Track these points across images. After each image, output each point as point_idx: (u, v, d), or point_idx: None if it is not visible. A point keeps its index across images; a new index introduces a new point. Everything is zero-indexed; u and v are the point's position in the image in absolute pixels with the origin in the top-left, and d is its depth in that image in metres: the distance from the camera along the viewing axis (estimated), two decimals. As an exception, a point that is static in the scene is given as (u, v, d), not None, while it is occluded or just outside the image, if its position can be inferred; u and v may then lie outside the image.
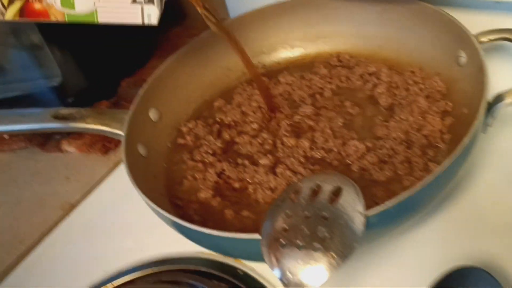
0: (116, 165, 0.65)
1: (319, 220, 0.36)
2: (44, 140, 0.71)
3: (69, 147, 0.68)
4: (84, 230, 0.59)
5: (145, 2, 0.45)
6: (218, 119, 0.61)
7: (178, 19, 0.90)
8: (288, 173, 0.50)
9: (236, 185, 0.52)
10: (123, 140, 0.52)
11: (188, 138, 0.59)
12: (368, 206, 0.37)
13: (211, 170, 0.53)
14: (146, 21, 0.46)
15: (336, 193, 0.38)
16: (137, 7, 0.45)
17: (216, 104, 0.63)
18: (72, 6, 0.45)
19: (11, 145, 0.71)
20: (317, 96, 0.59)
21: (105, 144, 0.67)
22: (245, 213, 0.49)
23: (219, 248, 0.44)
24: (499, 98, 0.43)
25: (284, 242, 0.35)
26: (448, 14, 0.52)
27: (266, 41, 0.67)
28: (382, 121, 0.53)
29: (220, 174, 0.53)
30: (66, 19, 0.46)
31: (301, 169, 0.50)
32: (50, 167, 0.67)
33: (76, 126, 0.56)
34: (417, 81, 0.55)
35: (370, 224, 0.37)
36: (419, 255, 0.45)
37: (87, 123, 0.55)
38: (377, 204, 0.42)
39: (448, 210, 0.47)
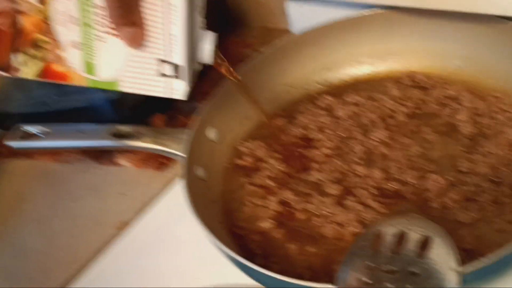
0: (170, 182, 0.63)
1: (406, 277, 0.32)
2: (100, 153, 0.70)
3: (124, 162, 0.67)
4: (136, 250, 0.57)
5: (171, 76, 0.42)
6: (279, 140, 0.57)
7: (232, 27, 0.87)
8: (358, 206, 0.46)
9: (300, 216, 0.48)
10: (183, 162, 0.50)
11: (247, 159, 0.56)
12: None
13: (272, 198, 0.50)
14: (174, 96, 0.43)
15: (424, 243, 0.34)
16: (163, 81, 0.43)
17: (276, 123, 0.60)
18: (93, 72, 0.43)
19: (67, 156, 0.70)
20: (389, 120, 0.54)
21: (160, 160, 0.65)
22: (310, 248, 0.45)
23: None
24: None
25: (364, 301, 0.31)
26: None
27: (330, 56, 0.63)
28: (464, 153, 0.48)
29: (282, 203, 0.50)
30: (88, 84, 0.44)
31: (372, 203, 0.46)
32: (105, 181, 0.66)
33: (134, 145, 0.54)
34: (504, 109, 0.50)
35: (464, 281, 0.32)
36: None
37: (144, 142, 0.54)
38: (465, 252, 0.38)
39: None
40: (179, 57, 0.41)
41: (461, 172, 0.46)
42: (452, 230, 0.41)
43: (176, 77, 0.42)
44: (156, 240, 0.57)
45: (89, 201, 0.63)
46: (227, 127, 0.58)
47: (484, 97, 0.52)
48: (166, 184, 0.62)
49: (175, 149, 0.52)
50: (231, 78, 0.50)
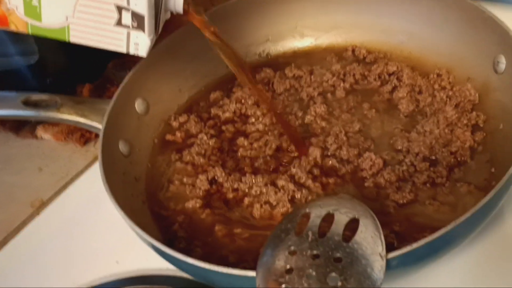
0: (95, 158, 0.58)
1: (330, 263, 0.29)
2: (19, 125, 0.63)
3: (44, 134, 0.61)
4: (54, 232, 0.52)
5: (132, 27, 0.36)
6: (213, 115, 0.53)
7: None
8: (291, 185, 0.43)
9: (230, 195, 0.45)
10: (101, 135, 0.45)
11: (178, 134, 0.52)
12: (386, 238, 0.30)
13: (202, 177, 0.46)
14: (132, 51, 0.37)
15: (352, 225, 0.31)
16: (122, 31, 0.36)
17: (213, 96, 0.56)
18: (38, 17, 0.36)
19: (-19, 127, 0.63)
20: (328, 95, 0.52)
21: (84, 133, 0.59)
22: (238, 230, 0.42)
23: (206, 279, 0.37)
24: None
25: (285, 288, 0.28)
26: (487, 10, 0.45)
27: (273, 27, 0.59)
28: (402, 131, 0.46)
29: (212, 181, 0.46)
30: (29, 31, 0.37)
31: (306, 182, 0.43)
32: (21, 155, 0.60)
33: (49, 115, 0.49)
34: (445, 86, 0.48)
35: (390, 266, 0.30)
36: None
37: (61, 112, 0.49)
38: (395, 234, 0.36)
39: (479, 243, 0.41)
40: (141, 3, 0.35)
41: (397, 151, 0.44)
42: (385, 211, 0.40)
43: (137, 28, 0.36)
44: (75, 221, 0.52)
45: (2, 176, 0.58)
46: (157, 99, 0.53)
47: (426, 74, 0.50)
48: (91, 161, 0.58)
49: (96, 121, 0.47)
50: (207, 32, 0.42)
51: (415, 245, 0.30)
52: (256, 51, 0.59)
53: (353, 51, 0.55)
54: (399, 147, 0.44)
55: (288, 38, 0.59)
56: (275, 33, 0.59)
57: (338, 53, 0.56)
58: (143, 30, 0.36)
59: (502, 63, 0.43)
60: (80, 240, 0.50)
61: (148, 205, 0.46)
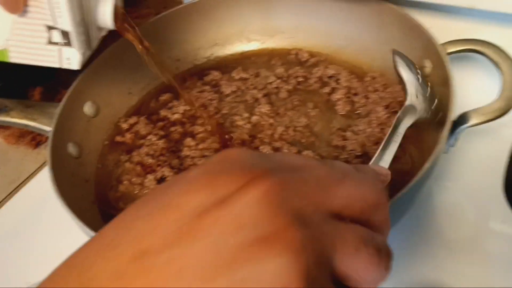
0: (45, 160, 0.58)
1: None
2: (-30, 128, 0.63)
3: (-6, 137, 0.61)
4: (6, 234, 0.52)
5: (63, 44, 0.39)
6: (162, 116, 0.55)
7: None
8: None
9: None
10: (50, 138, 0.46)
11: (127, 136, 0.53)
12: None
13: (150, 176, 0.48)
14: (66, 65, 0.40)
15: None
16: (54, 49, 0.39)
17: (162, 98, 0.57)
18: None
19: None
20: (273, 96, 0.54)
21: (36, 136, 0.60)
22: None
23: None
24: (464, 118, 0.40)
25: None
26: (414, 19, 0.48)
27: (221, 32, 0.61)
28: (338, 130, 0.49)
29: (160, 181, 0.48)
30: None
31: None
32: (-28, 159, 0.60)
33: (-2, 119, 0.49)
34: (377, 89, 0.51)
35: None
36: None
37: (11, 116, 0.49)
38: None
39: (407, 228, 0.44)
40: (65, 21, 0.38)
41: (335, 147, 0.47)
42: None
43: (67, 44, 0.39)
44: (27, 223, 0.53)
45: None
46: (107, 102, 0.55)
47: (362, 77, 0.53)
48: (41, 162, 0.58)
49: (46, 124, 0.48)
50: (139, 46, 0.46)
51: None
52: (205, 54, 0.61)
53: (296, 54, 0.58)
54: (336, 144, 0.47)
55: (236, 43, 0.61)
56: (222, 38, 0.61)
57: (283, 56, 0.59)
58: (72, 45, 0.39)
59: (428, 67, 0.47)
60: (32, 241, 0.51)
61: (97, 206, 0.47)
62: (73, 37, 0.39)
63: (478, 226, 0.45)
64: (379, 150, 0.36)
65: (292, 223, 0.18)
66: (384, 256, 0.21)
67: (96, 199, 0.48)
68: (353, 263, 0.20)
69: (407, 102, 0.42)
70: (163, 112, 0.55)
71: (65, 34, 0.38)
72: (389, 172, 0.28)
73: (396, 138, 0.37)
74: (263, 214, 0.18)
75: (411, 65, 0.46)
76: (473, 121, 0.39)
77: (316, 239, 0.19)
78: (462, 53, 0.45)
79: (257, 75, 0.57)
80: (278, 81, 0.55)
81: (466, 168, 0.48)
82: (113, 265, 0.19)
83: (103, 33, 0.43)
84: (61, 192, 0.41)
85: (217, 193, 0.19)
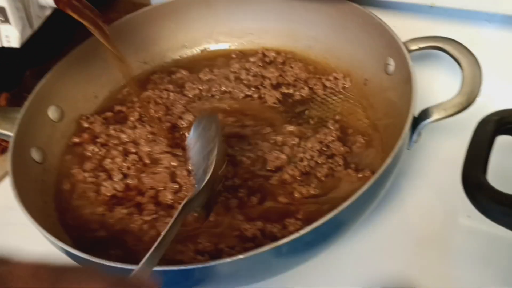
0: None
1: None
2: None
3: (-41, 144, 0.59)
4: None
5: (1, 22, 0.38)
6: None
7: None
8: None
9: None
10: (11, 143, 0.45)
11: (84, 136, 0.52)
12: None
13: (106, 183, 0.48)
14: (5, 44, 0.39)
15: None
16: None
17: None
18: None
19: None
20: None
21: (1, 142, 0.59)
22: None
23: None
24: (426, 113, 0.40)
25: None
26: (378, 17, 0.49)
27: (189, 34, 0.61)
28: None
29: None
30: None
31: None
32: None
33: (-44, 125, 0.48)
34: (337, 90, 0.52)
35: (281, 252, 0.33)
36: (345, 275, 0.42)
37: (-29, 121, 0.48)
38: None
39: (374, 225, 0.45)
40: None
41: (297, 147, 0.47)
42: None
43: (4, 21, 0.38)
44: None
45: None
46: (72, 106, 0.54)
47: (326, 77, 0.54)
48: (5, 170, 0.57)
49: (7, 130, 0.47)
50: (96, 31, 0.43)
51: (302, 231, 0.33)
52: (173, 56, 0.61)
53: (263, 55, 0.58)
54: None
55: (204, 44, 0.61)
56: (191, 39, 0.61)
57: (248, 57, 0.59)
58: (9, 22, 0.38)
59: (391, 65, 0.48)
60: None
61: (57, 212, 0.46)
62: (10, 14, 0.38)
63: (446, 222, 0.45)
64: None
65: None
66: None
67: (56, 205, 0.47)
68: None
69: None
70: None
71: (2, 10, 0.38)
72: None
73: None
74: None
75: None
76: (434, 116, 0.40)
77: None
78: (424, 50, 0.46)
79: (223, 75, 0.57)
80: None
81: (432, 164, 0.49)
82: None
83: (47, 13, 0.42)
84: (22, 198, 0.40)
85: None
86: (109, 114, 0.54)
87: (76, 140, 0.52)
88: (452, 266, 0.42)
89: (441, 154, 0.49)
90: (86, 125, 0.53)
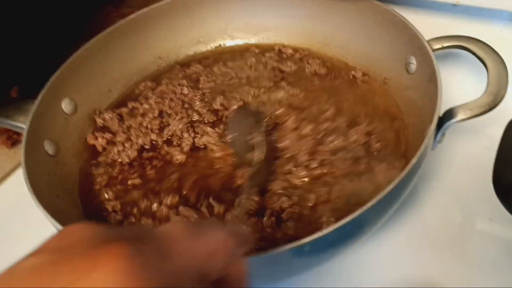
0: (23, 160, 0.56)
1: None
2: None
3: (-31, 136, 0.59)
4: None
5: None
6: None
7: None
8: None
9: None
10: (24, 135, 0.44)
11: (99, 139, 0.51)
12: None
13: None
14: None
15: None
16: None
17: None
18: None
19: None
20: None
21: (12, 135, 0.58)
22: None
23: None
24: (451, 113, 0.39)
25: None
26: (400, 14, 0.48)
27: (204, 29, 0.60)
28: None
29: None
30: None
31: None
32: None
33: (-32, 116, 0.47)
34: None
35: (303, 252, 0.32)
36: (363, 277, 0.41)
37: (-18, 113, 0.47)
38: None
39: (394, 228, 0.44)
40: None
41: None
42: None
43: None
44: (2, 224, 0.51)
45: None
46: (86, 100, 0.53)
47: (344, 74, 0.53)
48: (16, 162, 0.56)
49: (20, 122, 0.47)
50: None
51: (324, 231, 0.32)
52: (188, 52, 0.60)
53: (279, 51, 0.57)
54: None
55: (219, 40, 0.60)
56: (205, 35, 0.60)
57: (266, 52, 0.58)
58: None
59: (413, 64, 0.46)
60: (7, 243, 0.49)
61: (79, 209, 0.45)
62: None
63: (465, 226, 0.44)
64: None
65: None
66: None
67: (78, 200, 0.46)
68: None
69: None
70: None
71: None
72: (249, 233, 0.28)
73: None
74: None
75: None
76: (460, 116, 0.39)
77: None
78: (447, 50, 0.45)
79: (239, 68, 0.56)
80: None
81: (453, 166, 0.48)
82: None
83: None
84: (35, 191, 0.39)
85: None
86: (124, 110, 0.53)
87: (92, 142, 0.51)
88: (470, 270, 0.41)
89: (462, 155, 0.48)
90: (99, 121, 0.52)
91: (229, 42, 0.61)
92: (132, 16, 0.56)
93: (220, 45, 0.60)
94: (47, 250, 0.19)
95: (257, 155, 0.43)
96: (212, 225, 0.25)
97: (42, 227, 0.45)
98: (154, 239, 0.20)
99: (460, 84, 0.47)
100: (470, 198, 0.45)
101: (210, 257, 0.21)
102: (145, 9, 0.57)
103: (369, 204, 0.32)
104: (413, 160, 0.34)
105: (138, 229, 0.22)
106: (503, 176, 0.29)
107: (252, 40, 0.60)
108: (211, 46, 0.61)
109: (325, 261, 0.38)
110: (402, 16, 0.47)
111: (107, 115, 0.52)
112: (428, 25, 0.47)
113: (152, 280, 0.18)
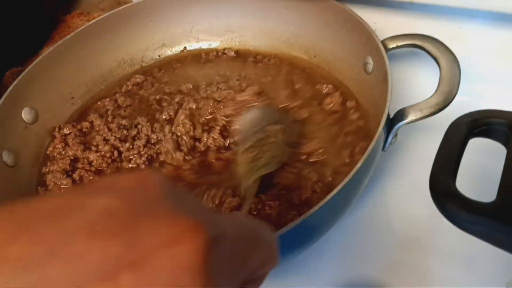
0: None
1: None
2: None
3: None
4: None
5: None
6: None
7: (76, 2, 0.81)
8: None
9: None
10: (-19, 145, 0.44)
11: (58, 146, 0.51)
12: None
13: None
14: None
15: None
16: None
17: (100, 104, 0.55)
18: None
19: None
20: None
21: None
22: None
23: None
24: (401, 114, 0.39)
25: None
26: (357, 14, 0.47)
27: (168, 32, 0.60)
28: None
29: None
30: None
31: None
32: None
33: None
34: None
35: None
36: (323, 276, 0.41)
37: None
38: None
39: (353, 227, 0.44)
40: None
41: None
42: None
43: None
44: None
45: None
46: (47, 108, 0.52)
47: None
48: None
49: (-23, 133, 0.46)
50: None
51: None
52: (153, 55, 0.60)
53: (245, 52, 0.57)
54: None
55: (184, 43, 0.60)
56: (170, 38, 0.60)
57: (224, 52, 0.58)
58: None
59: (370, 64, 0.46)
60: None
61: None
62: None
63: (425, 223, 0.44)
64: None
65: None
66: None
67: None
68: None
69: None
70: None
71: None
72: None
73: None
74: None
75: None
76: (410, 117, 0.38)
77: None
78: (403, 48, 0.44)
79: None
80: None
81: (413, 164, 0.48)
82: None
83: None
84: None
85: (134, 253, 0.15)
86: (85, 124, 0.52)
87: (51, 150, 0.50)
88: (433, 266, 0.41)
89: (423, 153, 0.48)
90: (59, 136, 0.51)
91: (194, 45, 0.60)
92: (96, 19, 0.56)
93: (185, 47, 0.60)
94: (121, 194, 0.16)
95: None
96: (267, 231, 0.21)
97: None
98: (228, 237, 0.17)
99: (416, 83, 0.47)
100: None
101: (259, 268, 0.19)
102: (109, 12, 0.57)
103: (312, 210, 0.32)
104: (358, 164, 0.34)
105: (213, 213, 0.20)
106: (439, 181, 0.28)
107: (218, 42, 0.60)
108: (176, 49, 0.60)
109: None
110: (358, 16, 0.47)
111: (67, 130, 0.51)
112: (387, 24, 0.47)
113: (211, 279, 0.15)
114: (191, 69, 0.57)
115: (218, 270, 0.16)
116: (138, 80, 0.57)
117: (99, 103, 0.54)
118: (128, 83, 0.56)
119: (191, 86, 0.54)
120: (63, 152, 0.49)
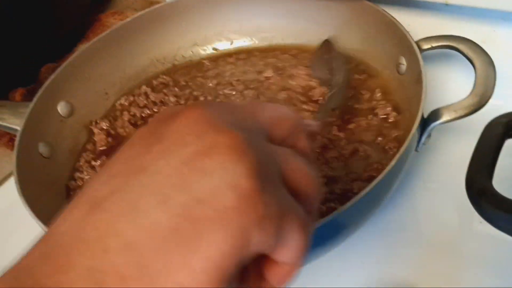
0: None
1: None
2: None
3: (-28, 138, 0.61)
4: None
5: None
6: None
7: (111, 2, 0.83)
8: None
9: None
10: (18, 137, 0.45)
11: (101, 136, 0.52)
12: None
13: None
14: None
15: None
16: None
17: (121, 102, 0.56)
18: None
19: None
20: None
21: (14, 137, 0.59)
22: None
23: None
24: (436, 114, 0.39)
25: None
26: (390, 15, 0.47)
27: (201, 32, 0.60)
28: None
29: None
30: None
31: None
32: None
33: (-37, 118, 0.49)
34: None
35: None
36: (352, 276, 0.41)
37: (-23, 115, 0.48)
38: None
39: (383, 227, 0.43)
40: None
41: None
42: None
43: None
44: (4, 226, 0.52)
45: None
46: (82, 102, 0.54)
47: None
48: (17, 164, 0.57)
49: (15, 124, 0.48)
50: None
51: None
52: (185, 54, 0.61)
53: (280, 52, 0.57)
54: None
55: (215, 42, 0.61)
56: (202, 38, 0.60)
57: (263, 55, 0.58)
58: None
59: (403, 65, 0.46)
60: (5, 244, 0.50)
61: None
62: None
63: (457, 226, 0.44)
64: None
65: (230, 130, 0.19)
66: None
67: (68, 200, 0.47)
68: (298, 177, 0.21)
69: None
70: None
71: None
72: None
73: None
74: (203, 130, 0.19)
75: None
76: (444, 118, 0.38)
77: (258, 148, 0.19)
78: (437, 50, 0.44)
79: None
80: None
81: (445, 166, 0.47)
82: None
83: None
84: (24, 193, 0.40)
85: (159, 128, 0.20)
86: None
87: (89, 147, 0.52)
88: (462, 270, 0.41)
89: (455, 155, 0.47)
90: (95, 130, 0.53)
91: (225, 45, 0.61)
92: (129, 19, 0.57)
93: (217, 47, 0.61)
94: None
95: (337, 78, 0.47)
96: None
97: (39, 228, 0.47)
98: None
99: (450, 84, 0.46)
100: (462, 198, 0.45)
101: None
102: (142, 12, 0.58)
103: (344, 207, 0.32)
104: (392, 162, 0.34)
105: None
106: (476, 180, 0.28)
107: (249, 42, 0.60)
108: (208, 48, 0.61)
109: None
110: (392, 16, 0.47)
111: (104, 124, 0.53)
112: (420, 25, 0.46)
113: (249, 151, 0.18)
114: (223, 68, 0.57)
115: (227, 118, 0.20)
116: (169, 79, 0.58)
117: (131, 98, 0.55)
118: (159, 79, 0.57)
119: (222, 84, 0.54)
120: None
